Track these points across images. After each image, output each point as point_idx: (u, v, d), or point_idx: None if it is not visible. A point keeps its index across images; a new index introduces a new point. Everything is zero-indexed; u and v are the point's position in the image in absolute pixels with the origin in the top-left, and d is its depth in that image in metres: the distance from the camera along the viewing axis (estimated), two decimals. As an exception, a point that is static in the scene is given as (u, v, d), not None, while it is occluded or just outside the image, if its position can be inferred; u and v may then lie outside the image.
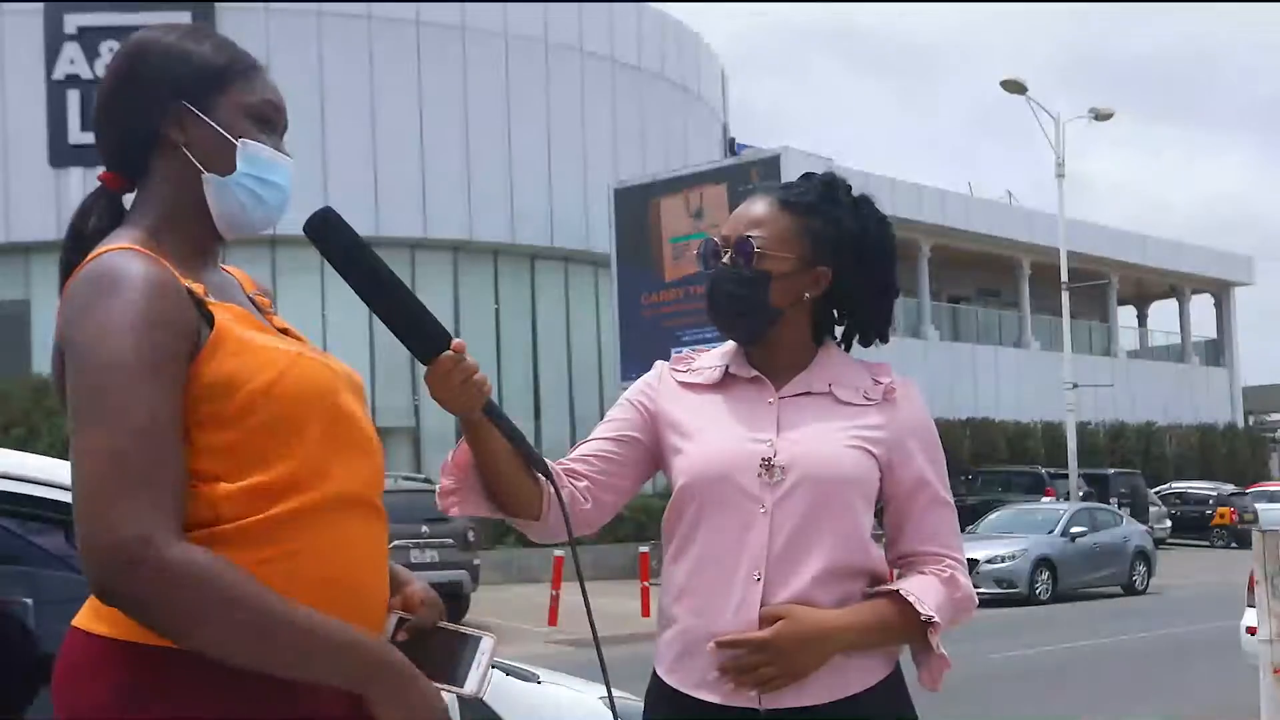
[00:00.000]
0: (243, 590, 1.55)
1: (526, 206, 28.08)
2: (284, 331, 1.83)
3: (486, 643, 1.76)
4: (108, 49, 25.00)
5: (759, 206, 2.21)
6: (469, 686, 1.71)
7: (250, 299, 1.84)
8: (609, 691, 1.99)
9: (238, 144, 1.75)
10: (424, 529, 15.86)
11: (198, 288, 1.69)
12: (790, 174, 2.32)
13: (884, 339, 2.28)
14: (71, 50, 25.79)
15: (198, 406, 1.63)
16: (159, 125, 1.74)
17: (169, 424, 1.59)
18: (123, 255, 1.65)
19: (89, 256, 1.68)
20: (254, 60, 1.81)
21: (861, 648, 2.09)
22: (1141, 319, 49.44)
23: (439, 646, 1.74)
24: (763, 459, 2.10)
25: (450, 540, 16.37)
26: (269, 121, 1.80)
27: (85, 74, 25.39)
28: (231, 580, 1.55)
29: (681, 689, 2.12)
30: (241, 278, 1.88)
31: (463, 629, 1.79)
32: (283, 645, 1.58)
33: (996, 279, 40.68)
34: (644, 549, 16.85)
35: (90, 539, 1.54)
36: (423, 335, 1.82)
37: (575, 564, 1.91)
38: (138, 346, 1.58)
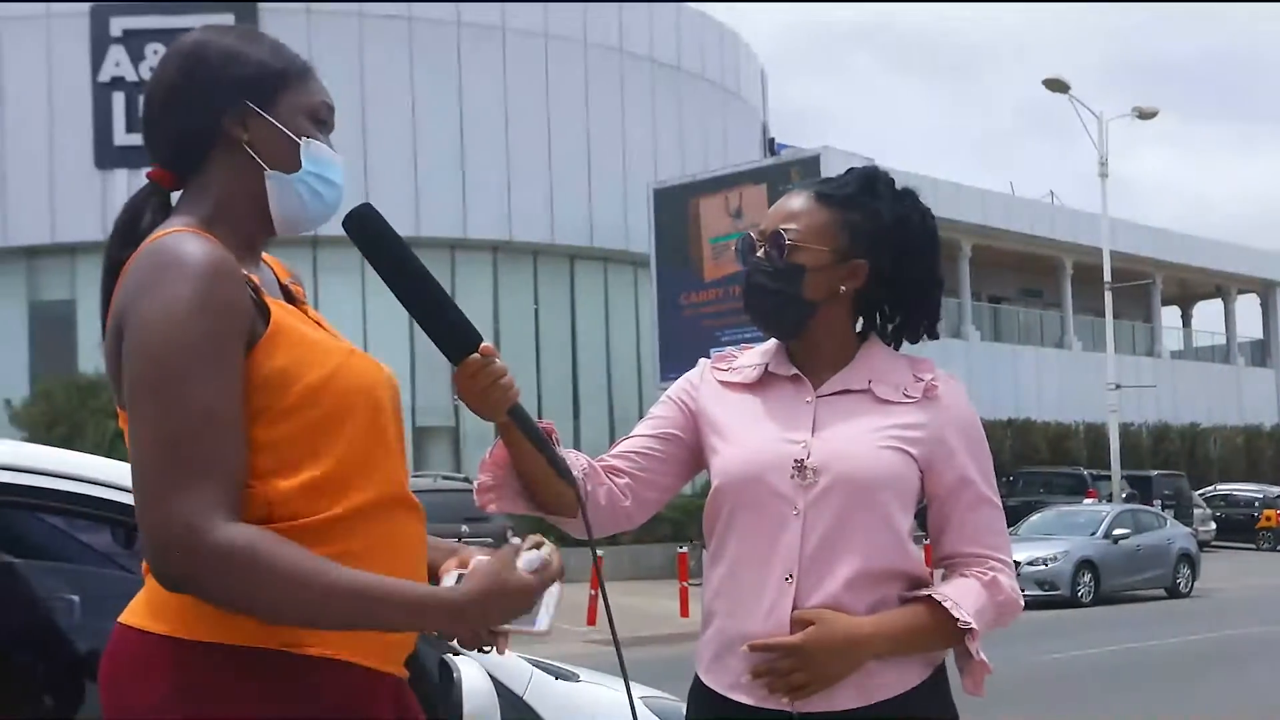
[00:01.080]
0: (290, 562, 1.57)
1: (566, 207, 28.13)
2: (317, 324, 1.84)
3: (551, 593, 1.77)
4: (152, 51, 25.27)
5: (796, 201, 2.19)
6: (540, 625, 1.73)
7: (286, 288, 1.85)
8: (629, 692, 1.98)
9: (301, 142, 1.77)
10: (463, 528, 15.94)
11: (254, 278, 1.70)
12: (830, 173, 2.31)
13: (932, 335, 2.23)
14: (117, 53, 26.07)
15: (253, 399, 1.64)
16: (222, 122, 1.75)
17: (228, 409, 1.60)
18: (184, 237, 1.66)
19: (147, 240, 1.68)
20: (306, 63, 1.83)
21: (896, 654, 2.06)
22: (1186, 319, 48.95)
23: None
24: (795, 460, 2.08)
25: (489, 539, 16.39)
26: (324, 122, 1.82)
27: (130, 76, 25.66)
28: (278, 554, 1.57)
29: (717, 689, 2.11)
30: (276, 266, 1.88)
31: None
32: (335, 610, 1.60)
33: (1038, 279, 40.39)
34: (682, 549, 16.85)
35: (146, 529, 1.58)
36: (453, 335, 1.82)
37: (595, 568, 1.90)
38: (199, 329, 1.59)
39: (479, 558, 1.73)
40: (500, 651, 1.75)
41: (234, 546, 1.55)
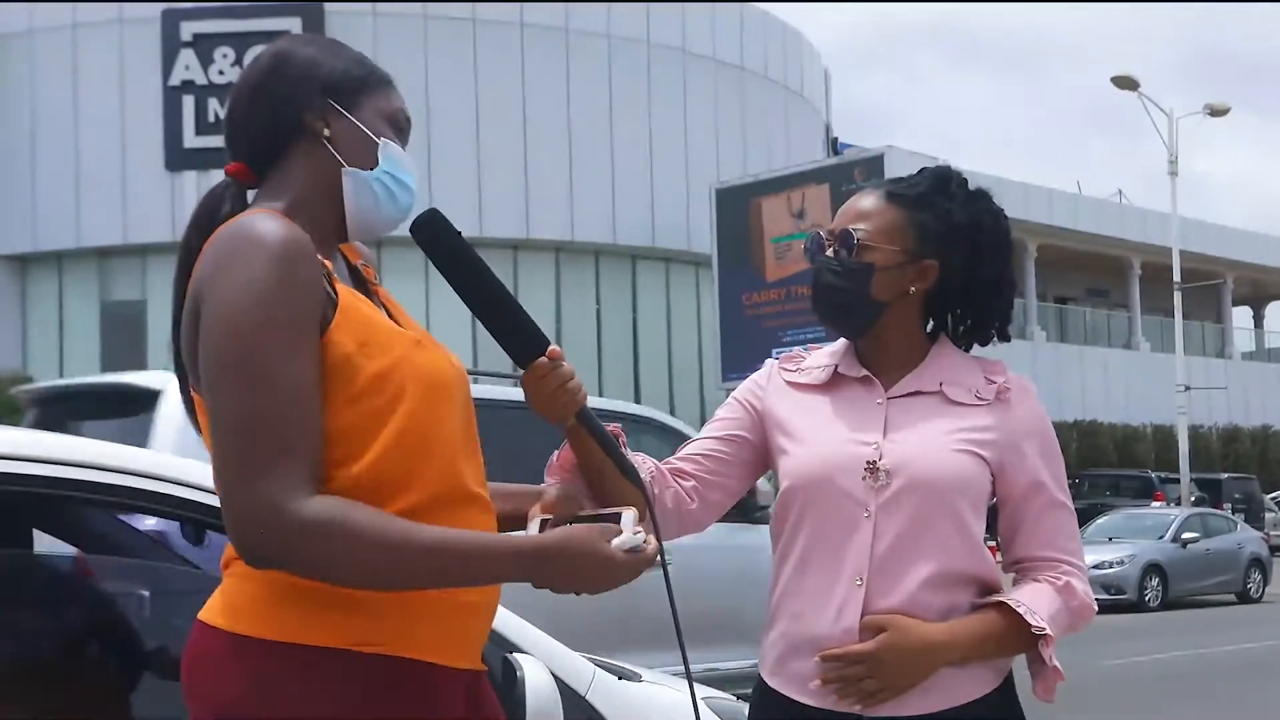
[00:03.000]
0: (372, 528, 1.59)
1: (628, 207, 28.18)
2: (386, 305, 1.86)
3: (627, 515, 1.76)
4: (221, 55, 25.66)
5: (867, 200, 2.18)
6: (618, 542, 1.70)
7: (357, 269, 1.87)
8: (693, 696, 1.97)
9: (380, 143, 1.80)
10: (525, 527, 16.02)
11: (327, 264, 1.72)
12: (894, 173, 2.29)
13: (1003, 337, 2.21)
14: (187, 57, 26.48)
15: (322, 384, 1.65)
16: (304, 117, 1.78)
17: (306, 384, 1.61)
18: (260, 216, 1.68)
19: (225, 223, 1.71)
20: (388, 75, 1.87)
21: (970, 661, 2.04)
22: (1258, 319, 48.13)
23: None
24: (867, 462, 2.06)
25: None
26: (402, 130, 1.85)
27: (200, 80, 26.06)
28: (360, 521, 1.59)
29: (783, 691, 2.10)
30: (346, 249, 1.90)
31: (603, 511, 1.81)
32: (422, 569, 1.62)
33: (1105, 279, 39.89)
34: (744, 550, 16.78)
35: (227, 507, 1.59)
36: (521, 338, 1.83)
37: (664, 573, 1.90)
38: (280, 305, 1.61)
39: (578, 528, 1.71)
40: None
41: (321, 520, 1.57)
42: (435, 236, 1.78)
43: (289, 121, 1.78)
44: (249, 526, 1.57)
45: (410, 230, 1.78)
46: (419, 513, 1.68)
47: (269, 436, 1.57)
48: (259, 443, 1.57)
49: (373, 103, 1.81)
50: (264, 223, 1.66)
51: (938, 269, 2.14)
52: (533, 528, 1.77)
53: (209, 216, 1.77)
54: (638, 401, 28.43)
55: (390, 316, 1.83)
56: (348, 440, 1.65)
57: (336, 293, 1.70)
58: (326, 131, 1.78)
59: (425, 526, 1.62)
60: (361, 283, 1.86)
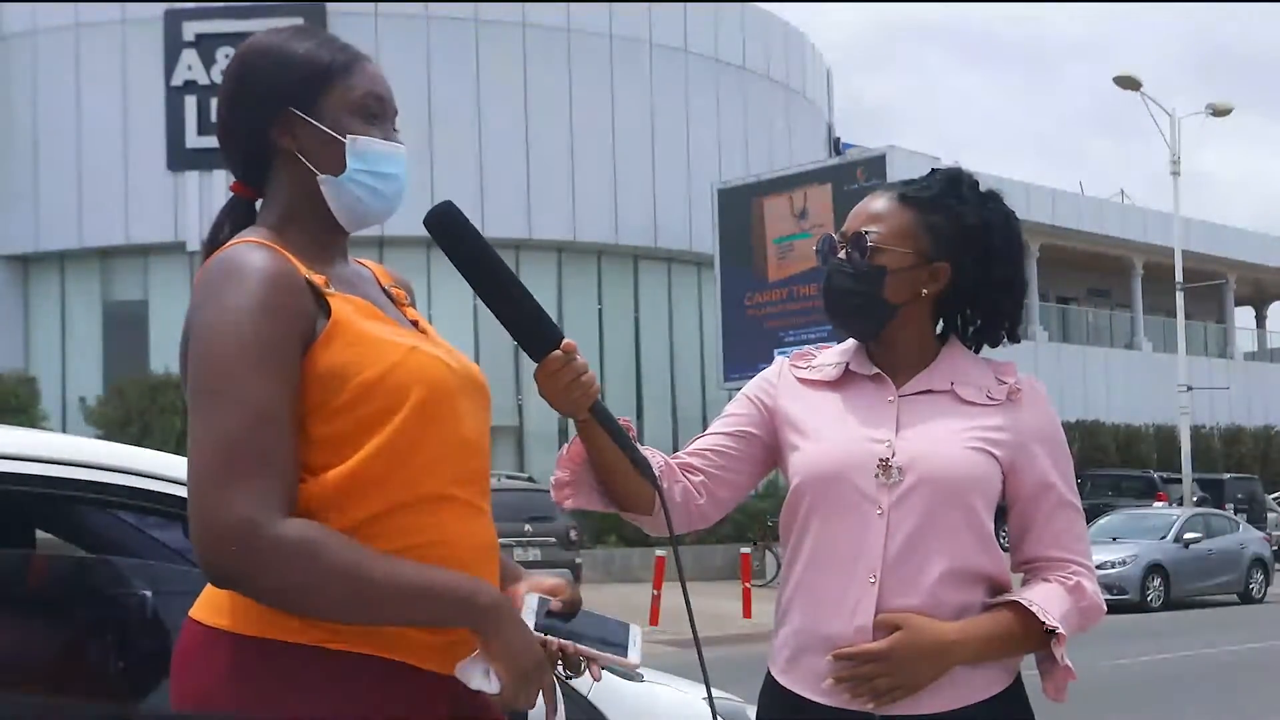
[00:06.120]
0: (344, 559, 1.59)
1: (630, 207, 28.19)
2: (414, 324, 1.86)
3: (636, 629, 1.84)
4: (223, 55, 25.64)
5: (879, 202, 2.18)
6: (633, 657, 1.79)
7: (386, 291, 1.88)
8: (709, 694, 1.97)
9: (346, 141, 1.78)
10: (527, 527, 16.06)
11: (318, 279, 1.72)
12: (896, 173, 2.29)
13: (1013, 338, 2.21)
14: (189, 57, 26.48)
15: (309, 394, 1.66)
16: (271, 133, 1.78)
17: (281, 409, 1.63)
18: (245, 248, 1.70)
19: (216, 251, 1.74)
20: (356, 52, 1.84)
21: (982, 660, 2.05)
22: (1260, 320, 48.09)
23: (592, 626, 1.80)
24: (880, 459, 2.06)
25: (553, 539, 16.54)
26: (375, 114, 1.82)
27: (202, 80, 26.05)
28: (333, 550, 1.59)
29: (794, 689, 2.10)
30: (378, 271, 1.92)
31: (608, 616, 1.84)
32: (387, 606, 1.62)
33: (1107, 279, 39.87)
34: (745, 550, 16.82)
35: (199, 524, 1.59)
36: (535, 333, 1.83)
37: (677, 564, 1.90)
38: (253, 333, 1.63)
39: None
40: (596, 678, 1.79)
41: (295, 541, 1.58)
42: (449, 229, 1.79)
43: (261, 143, 1.79)
44: (220, 543, 1.57)
45: (424, 223, 1.78)
46: (387, 517, 1.68)
47: (241, 455, 1.58)
48: (230, 460, 1.58)
49: (335, 97, 1.79)
50: (245, 253, 1.68)
51: (949, 271, 2.14)
52: (530, 602, 1.75)
53: (212, 245, 1.80)
54: (639, 400, 28.49)
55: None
56: (332, 447, 1.67)
57: (330, 304, 1.70)
58: (295, 144, 1.78)
59: (402, 561, 1.63)
60: (392, 304, 1.87)
